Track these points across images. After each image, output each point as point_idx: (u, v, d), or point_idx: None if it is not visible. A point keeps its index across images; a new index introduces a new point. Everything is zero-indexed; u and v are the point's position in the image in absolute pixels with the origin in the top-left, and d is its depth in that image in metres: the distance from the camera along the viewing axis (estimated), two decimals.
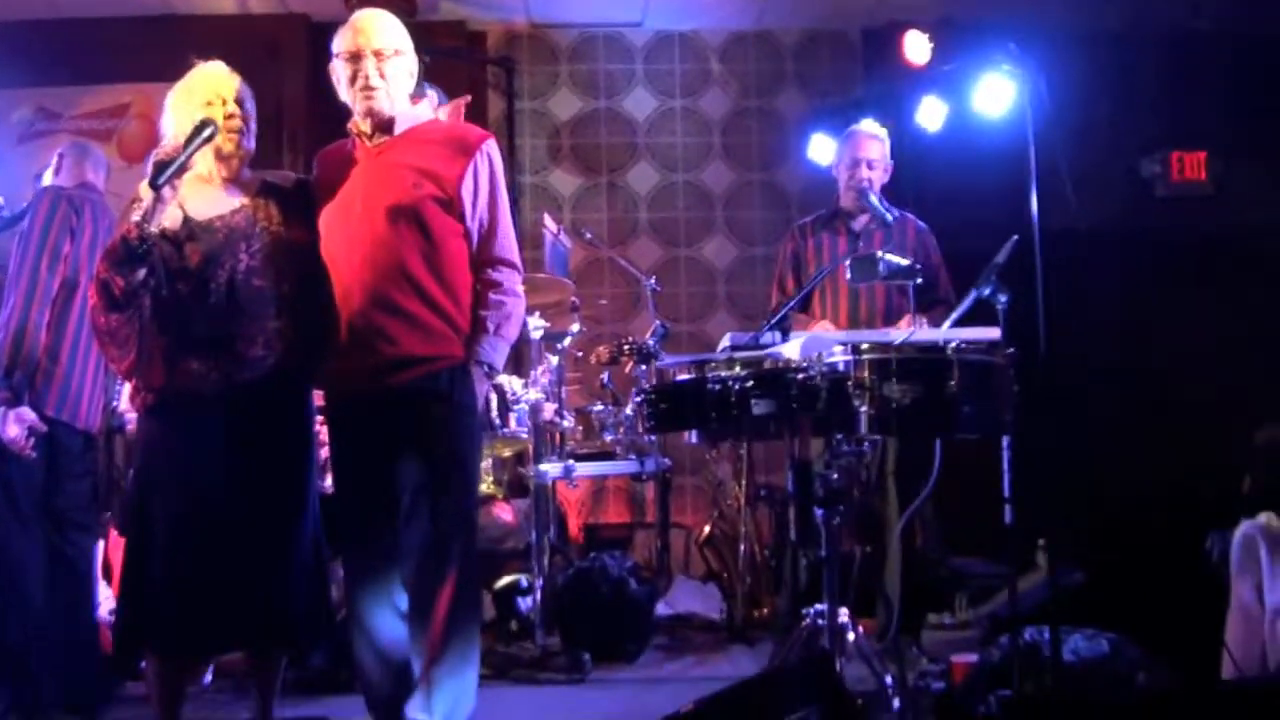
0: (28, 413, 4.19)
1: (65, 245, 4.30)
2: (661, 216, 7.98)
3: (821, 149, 6.75)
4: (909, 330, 4.02)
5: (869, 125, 5.41)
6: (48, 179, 4.66)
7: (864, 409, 3.33)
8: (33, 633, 4.25)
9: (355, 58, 3.49)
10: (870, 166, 5.14)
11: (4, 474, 4.25)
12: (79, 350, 4.36)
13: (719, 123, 8.07)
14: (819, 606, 3.51)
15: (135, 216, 3.25)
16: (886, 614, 4.61)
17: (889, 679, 3.48)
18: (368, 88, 3.47)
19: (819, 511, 3.46)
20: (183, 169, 3.27)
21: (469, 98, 4.22)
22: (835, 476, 3.49)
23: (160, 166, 3.24)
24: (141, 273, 3.30)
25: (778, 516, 5.85)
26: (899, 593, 4.65)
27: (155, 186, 3.21)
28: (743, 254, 7.94)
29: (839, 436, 3.51)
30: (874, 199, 4.92)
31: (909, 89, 6.60)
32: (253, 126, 3.57)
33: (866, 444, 3.63)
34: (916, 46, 6.37)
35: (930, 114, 6.38)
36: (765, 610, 5.79)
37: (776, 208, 7.93)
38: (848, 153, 5.24)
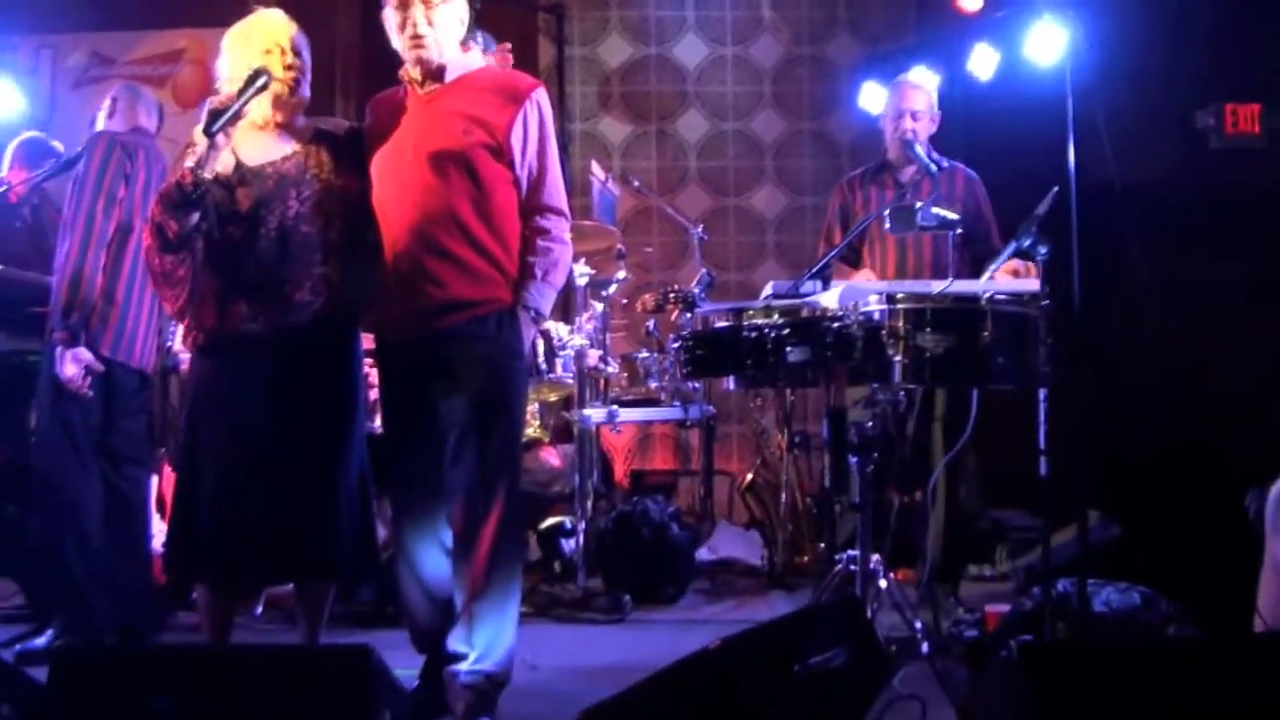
0: (84, 353, 4.29)
1: (120, 190, 4.38)
2: (711, 165, 7.98)
3: (873, 97, 6.75)
4: (948, 281, 4.03)
5: (915, 75, 5.39)
6: (101, 123, 4.73)
7: (898, 358, 3.38)
8: (89, 563, 4.38)
9: (404, 5, 3.52)
10: (915, 118, 5.12)
11: (62, 412, 4.36)
12: (134, 292, 4.46)
13: (770, 70, 8.03)
14: (851, 552, 3.57)
15: (189, 162, 3.33)
16: (923, 564, 4.65)
17: (919, 625, 3.54)
18: (416, 36, 3.51)
19: (853, 459, 3.51)
20: (237, 117, 3.33)
21: (509, 46, 4.25)
22: (870, 424, 3.54)
23: (214, 114, 3.30)
24: (195, 217, 3.38)
25: (817, 468, 5.90)
26: (937, 543, 4.68)
27: (209, 134, 3.28)
28: (792, 203, 7.93)
29: (875, 385, 3.56)
30: (919, 150, 4.89)
31: (961, 36, 6.57)
32: (307, 75, 3.62)
33: (902, 393, 3.67)
34: None
35: (982, 62, 6.35)
36: (806, 557, 5.84)
37: (827, 157, 7.89)
38: (893, 104, 5.22)
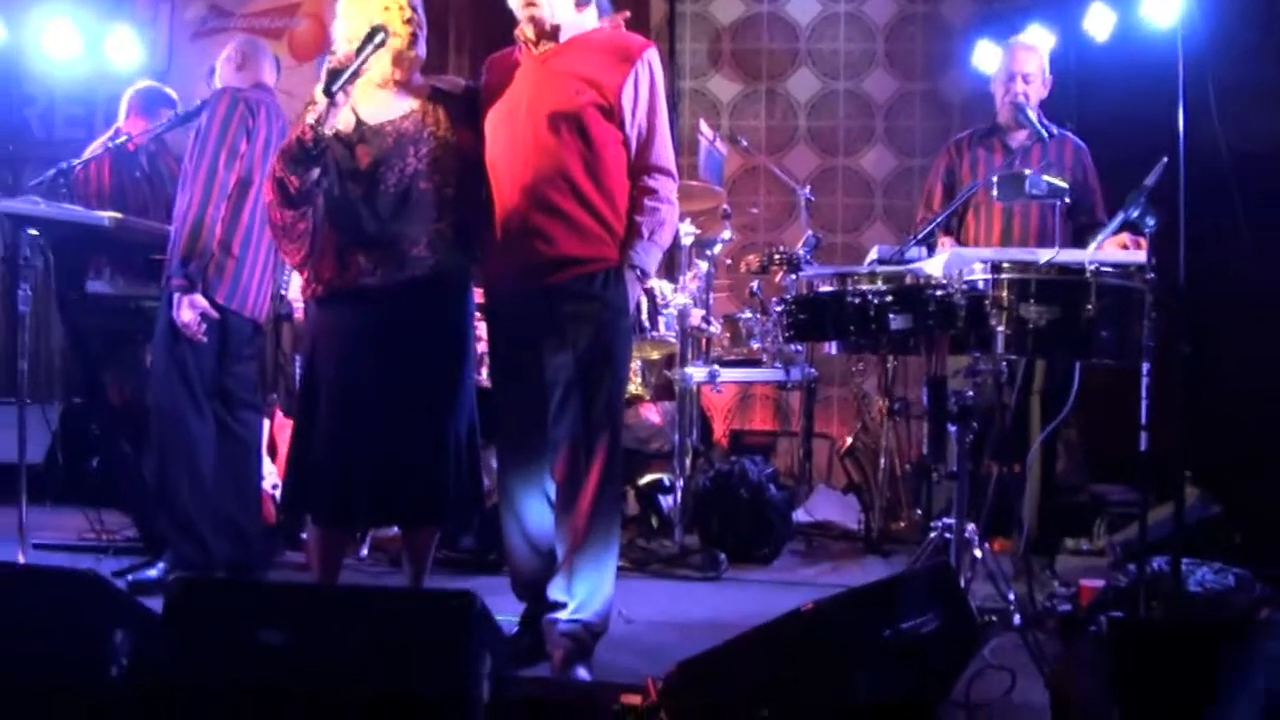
0: (200, 300, 4.43)
1: (241, 144, 4.50)
2: (820, 125, 7.93)
3: (986, 57, 6.64)
4: (1054, 250, 4.00)
5: (1028, 37, 5.31)
6: (223, 77, 4.85)
7: (1000, 329, 3.38)
8: (202, 501, 4.53)
9: None
10: (1026, 80, 5.03)
11: (179, 356, 4.51)
12: (250, 244, 4.59)
13: (882, 29, 7.93)
14: (947, 520, 3.58)
15: (310, 119, 3.42)
16: (1020, 536, 4.63)
17: (1012, 596, 3.55)
18: None
19: (952, 428, 3.52)
20: (356, 75, 3.41)
21: (627, 14, 4.28)
22: (970, 394, 3.55)
23: (334, 74, 3.38)
24: (315, 173, 3.48)
25: (916, 434, 5.89)
26: (1033, 515, 4.65)
27: (329, 93, 3.36)
28: (901, 165, 7.85)
29: (976, 354, 3.56)
30: (1031, 114, 4.84)
31: None
32: (423, 31, 3.70)
33: (1004, 363, 3.66)
34: None
35: (1098, 22, 6.23)
36: (903, 524, 5.85)
37: (938, 118, 7.78)
38: (1004, 66, 5.14)
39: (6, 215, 4.76)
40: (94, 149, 5.48)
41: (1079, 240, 4.71)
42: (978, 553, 3.62)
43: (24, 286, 4.42)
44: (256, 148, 4.53)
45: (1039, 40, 5.32)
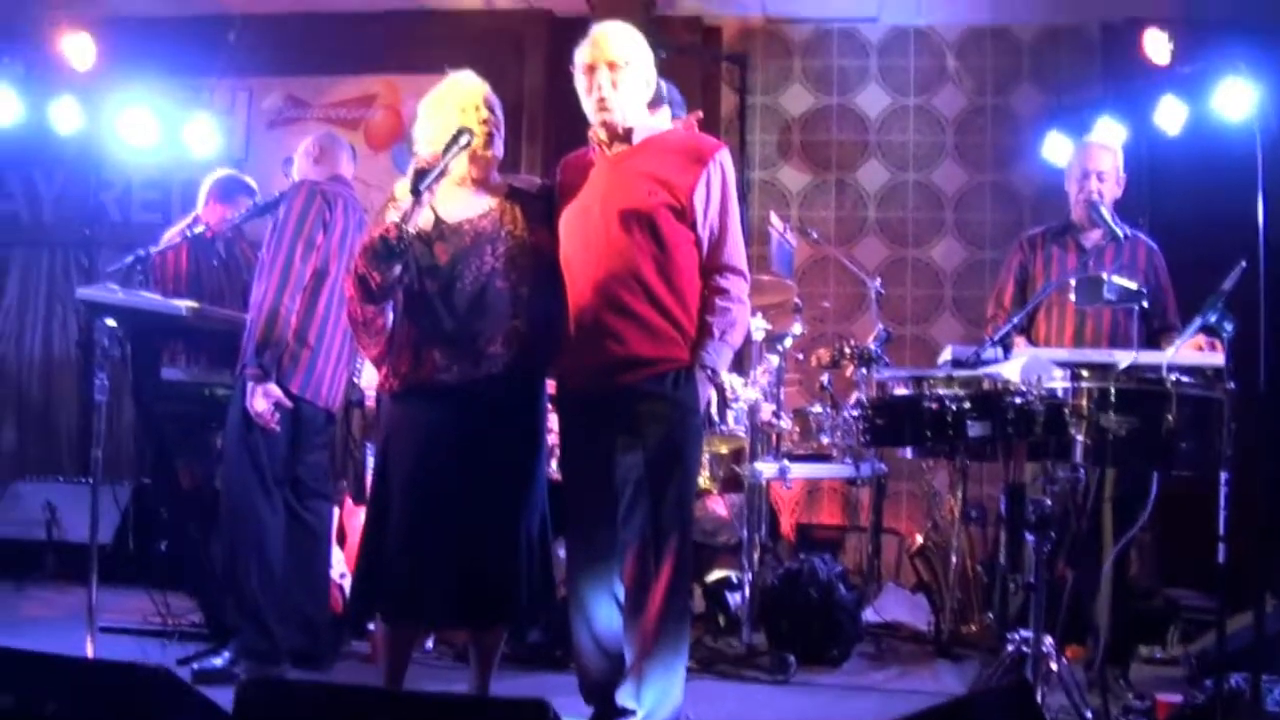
0: (274, 389, 4.45)
1: (318, 236, 4.54)
2: (890, 216, 7.92)
3: (1056, 149, 6.64)
4: (1132, 352, 3.94)
5: (1101, 135, 5.30)
6: (300, 169, 4.92)
7: (1080, 438, 3.33)
8: (270, 588, 4.53)
9: (591, 70, 3.64)
10: (1101, 179, 5.00)
11: (251, 444, 4.52)
12: (325, 335, 4.62)
13: (952, 121, 7.93)
14: (1024, 632, 3.51)
15: (393, 216, 3.47)
16: (1094, 644, 4.52)
17: (1089, 713, 3.46)
18: (602, 100, 3.62)
19: (1030, 537, 3.46)
20: (441, 175, 3.49)
21: (700, 114, 4.32)
22: (1049, 503, 3.49)
23: (420, 173, 3.44)
24: (397, 269, 3.51)
25: (990, 535, 5.80)
26: (1109, 623, 4.55)
27: (416, 192, 3.42)
28: (971, 257, 7.81)
29: (1054, 463, 3.51)
30: (1105, 213, 4.81)
31: (1148, 88, 6.43)
32: (501, 133, 3.75)
33: (1081, 471, 3.61)
34: (1156, 45, 6.19)
35: (1170, 115, 6.21)
36: (973, 627, 5.73)
37: (1008, 210, 7.75)
38: (1078, 164, 5.11)
39: (85, 303, 4.83)
40: (171, 235, 5.57)
41: (1152, 343, 4.67)
42: (1054, 665, 3.54)
43: (101, 376, 4.47)
44: (333, 239, 4.58)
45: (1114, 139, 5.27)
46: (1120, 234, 4.79)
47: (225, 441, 4.66)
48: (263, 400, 4.42)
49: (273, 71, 8.21)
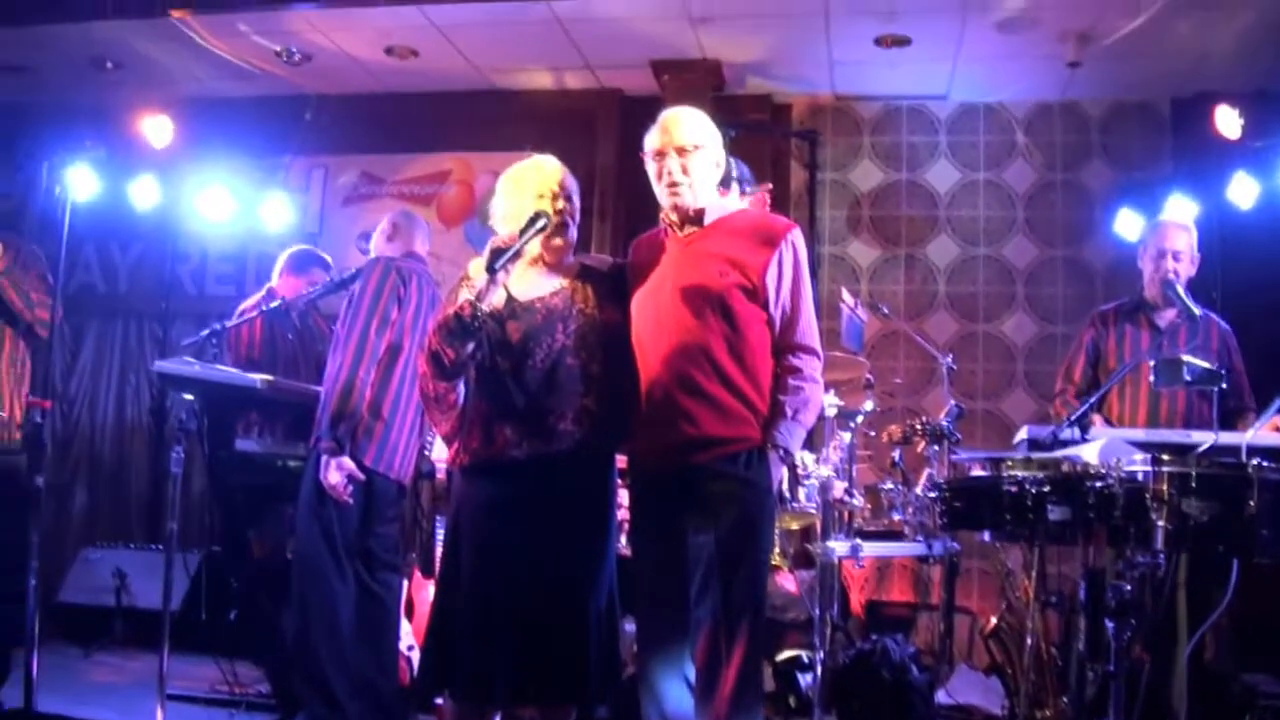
0: (348, 462, 4.50)
1: (393, 312, 4.60)
2: (960, 290, 7.90)
3: (1128, 224, 6.61)
4: (1211, 434, 3.88)
5: (1176, 214, 5.27)
6: (377, 246, 5.00)
7: (1161, 523, 3.27)
8: (338, 660, 4.54)
9: (660, 155, 3.68)
10: (1177, 258, 4.99)
11: (324, 515, 4.56)
12: (399, 408, 4.66)
13: (1022, 196, 7.94)
14: None
15: (467, 294, 3.50)
16: None
17: None
18: (672, 184, 3.65)
19: (1109, 623, 3.39)
20: (517, 256, 3.51)
21: (770, 186, 4.33)
22: (1128, 588, 3.42)
23: (496, 253, 3.47)
24: (470, 346, 3.54)
25: (1066, 618, 5.66)
26: (1185, 708, 4.45)
27: (492, 271, 3.45)
28: (1043, 332, 7.77)
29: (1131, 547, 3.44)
30: (1181, 292, 4.79)
31: (1219, 163, 6.41)
32: (576, 218, 3.77)
33: (1161, 556, 3.54)
34: (1227, 120, 6.18)
35: (1242, 191, 6.18)
36: (1048, 712, 5.59)
37: (1080, 284, 7.74)
38: (1154, 243, 5.09)
39: (161, 375, 4.91)
40: (247, 308, 5.67)
41: (1227, 424, 4.61)
42: None
43: (177, 449, 4.53)
44: (407, 315, 4.63)
45: (1188, 217, 5.24)
46: (1196, 313, 4.74)
47: (297, 513, 4.70)
48: (336, 473, 4.45)
49: (348, 149, 8.38)
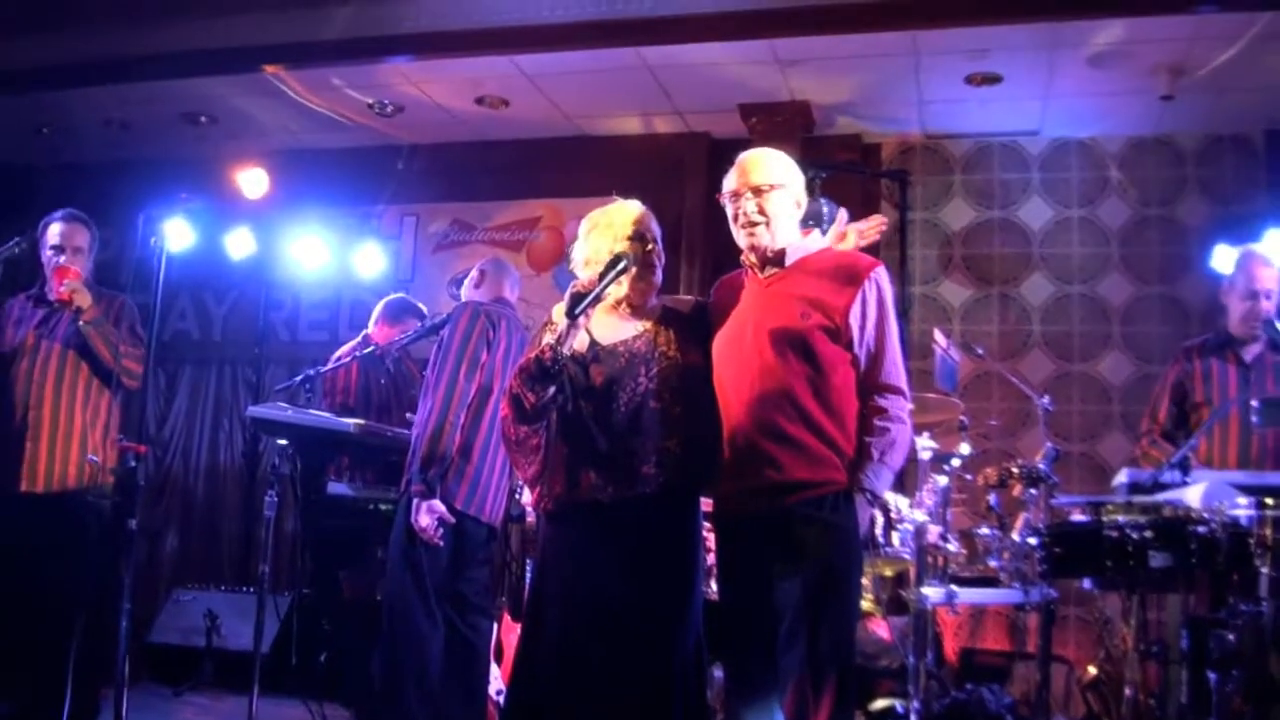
0: (439, 505, 4.51)
1: (483, 355, 4.63)
2: (1055, 329, 7.78)
3: (1226, 260, 6.46)
4: None
5: (1265, 249, 5.16)
6: (467, 292, 5.03)
7: (1265, 570, 3.17)
8: (428, 703, 4.53)
9: (736, 196, 3.65)
10: (1269, 297, 4.91)
11: (414, 558, 4.56)
12: (489, 451, 4.67)
13: (1117, 232, 7.81)
14: None
15: (549, 338, 3.50)
16: None
17: None
18: (748, 224, 3.62)
19: (1212, 675, 3.28)
20: (598, 300, 3.50)
21: (844, 210, 4.27)
22: (1231, 638, 3.31)
23: (577, 297, 3.45)
24: (551, 390, 3.53)
25: (1166, 668, 5.50)
26: None
27: (572, 316, 3.43)
28: (1140, 371, 7.60)
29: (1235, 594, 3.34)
30: (1277, 327, 4.71)
31: None
32: (660, 261, 3.76)
33: (1265, 604, 3.42)
34: None
35: None
36: None
37: (1177, 322, 7.57)
38: (1244, 283, 5.01)
39: (255, 419, 4.97)
40: (342, 354, 5.76)
41: None
42: None
43: (271, 493, 4.57)
44: (496, 358, 4.65)
45: (1275, 252, 5.14)
46: None
47: (389, 556, 4.71)
48: (427, 516, 4.47)
49: (439, 198, 8.51)
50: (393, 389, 5.96)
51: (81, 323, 5.00)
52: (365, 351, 5.67)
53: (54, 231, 5.20)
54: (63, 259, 5.13)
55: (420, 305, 6.11)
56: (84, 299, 4.99)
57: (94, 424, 5.18)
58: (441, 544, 4.55)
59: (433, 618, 4.61)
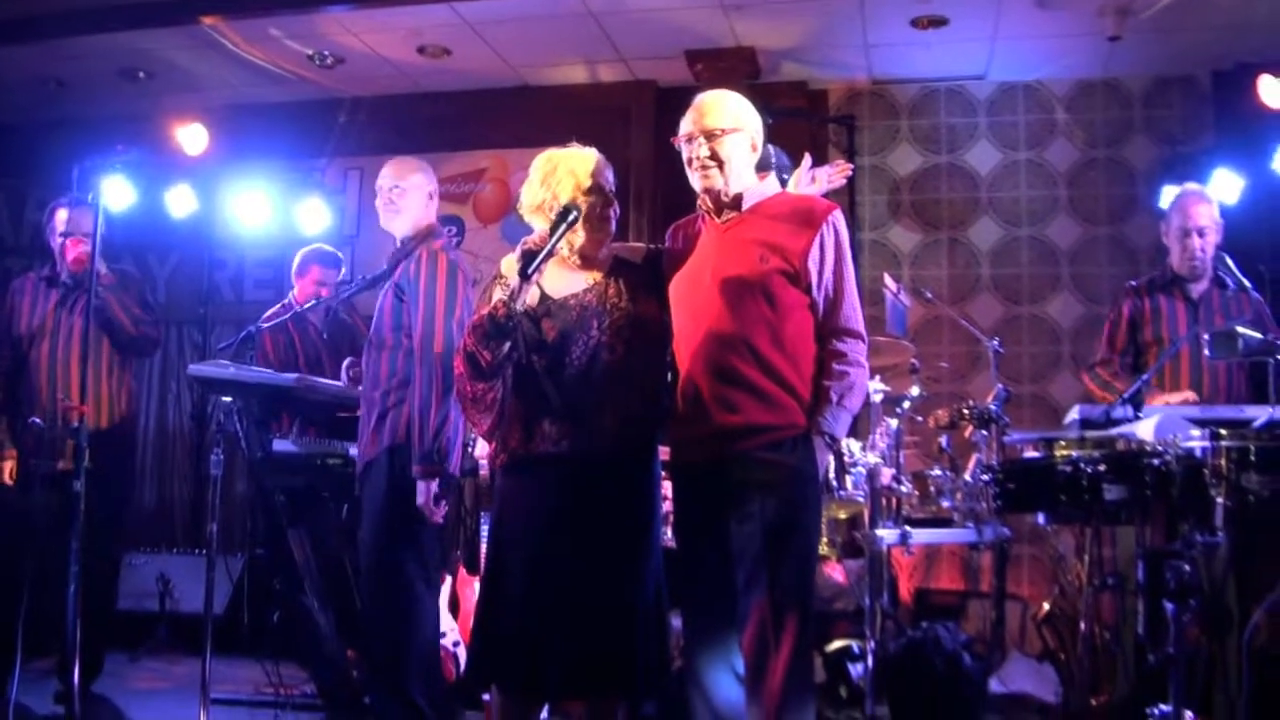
0: (435, 484, 4.35)
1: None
2: (1004, 272, 7.80)
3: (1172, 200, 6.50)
4: (1268, 408, 3.77)
5: (1202, 188, 5.21)
6: (420, 206, 4.75)
7: (1220, 500, 3.18)
8: (431, 674, 4.45)
9: (690, 139, 3.61)
10: (1202, 234, 4.98)
11: (411, 533, 4.39)
12: (453, 406, 4.56)
13: (1065, 175, 7.83)
14: (1163, 708, 3.34)
15: (499, 293, 3.48)
16: (1230, 717, 4.29)
17: None
18: (702, 167, 3.57)
19: (1169, 605, 3.29)
20: (550, 255, 3.46)
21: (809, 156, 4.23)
22: (1188, 569, 3.32)
23: (529, 255, 3.41)
24: (506, 347, 3.50)
25: (1121, 601, 5.54)
26: (1245, 694, 4.33)
27: (525, 274, 3.39)
28: (1089, 312, 7.63)
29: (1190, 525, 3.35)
30: (1229, 264, 4.76)
31: (1263, 134, 6.32)
32: (615, 209, 3.71)
33: (1221, 535, 3.44)
34: (1271, 90, 6.12)
35: None
36: (1104, 698, 5.49)
37: (1125, 263, 7.61)
38: (1178, 221, 5.08)
39: (197, 378, 4.89)
40: (273, 313, 5.69)
41: (1262, 395, 4.52)
42: None
43: (217, 451, 4.49)
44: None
45: (1207, 189, 5.20)
46: (1247, 286, 4.69)
47: (367, 526, 4.45)
48: (431, 495, 4.29)
49: (383, 150, 8.30)
50: (329, 345, 5.87)
51: (100, 288, 4.97)
52: (285, 317, 5.64)
53: (61, 217, 5.45)
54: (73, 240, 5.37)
55: (331, 250, 6.04)
56: (100, 264, 4.92)
57: (118, 397, 5.53)
58: (442, 522, 4.42)
59: (434, 588, 4.56)
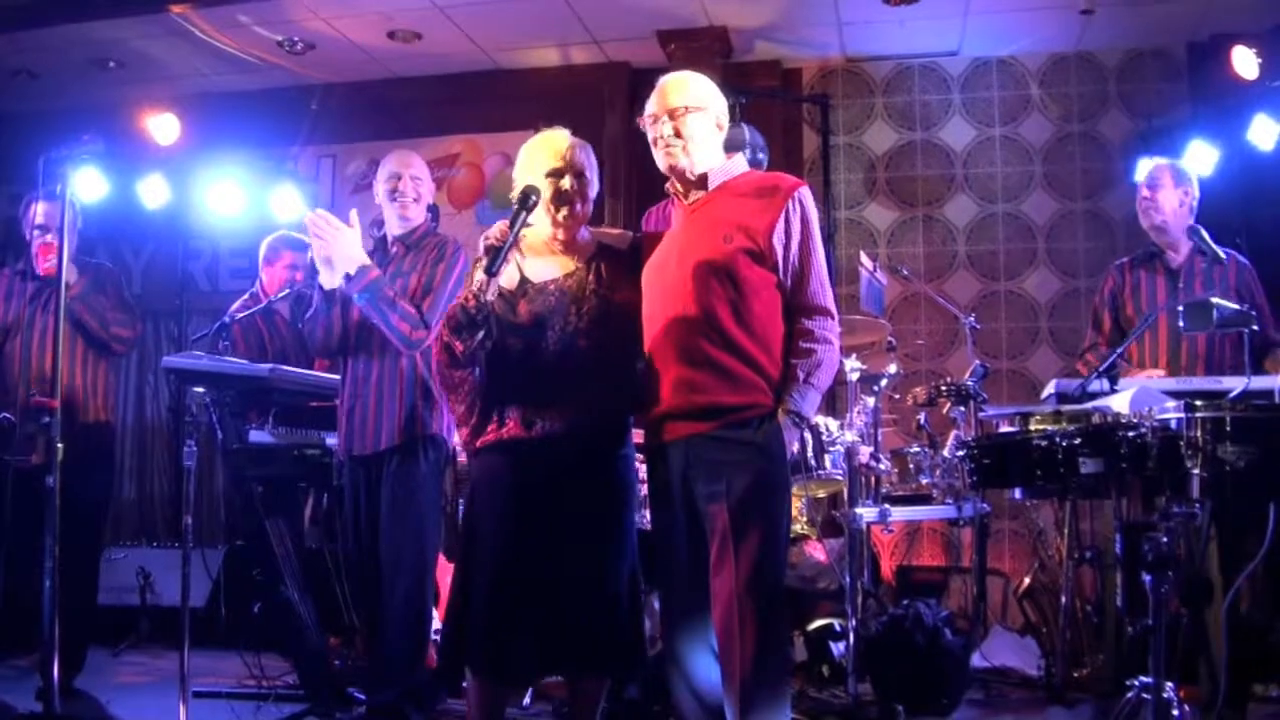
0: None
1: None
2: (980, 249, 7.78)
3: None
4: (1243, 379, 3.77)
5: (1165, 160, 5.26)
6: (427, 190, 4.93)
7: (1196, 471, 3.17)
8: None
9: (654, 120, 3.61)
10: (1152, 188, 5.06)
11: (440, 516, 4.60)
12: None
13: (1040, 150, 7.81)
14: (1144, 679, 3.34)
15: (480, 276, 3.46)
16: (1211, 685, 4.30)
17: None
18: (666, 146, 3.58)
19: (1147, 577, 3.29)
20: (513, 247, 3.46)
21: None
22: (1165, 540, 3.32)
23: (492, 251, 3.42)
24: (480, 335, 3.50)
25: (1101, 574, 5.56)
26: (1225, 662, 4.35)
27: (490, 274, 3.40)
28: (1066, 287, 7.64)
29: (1167, 497, 3.35)
30: (1204, 235, 4.75)
31: (1238, 106, 6.32)
32: (591, 191, 3.70)
33: (1198, 506, 3.44)
34: (1245, 61, 6.10)
35: (1262, 132, 6.11)
36: (1086, 670, 5.51)
37: (1101, 237, 7.60)
38: (1139, 189, 5.17)
39: (171, 370, 4.86)
40: (242, 303, 5.65)
41: (1253, 361, 4.54)
42: (1176, 712, 3.36)
43: (190, 443, 4.45)
44: None
45: (1183, 161, 5.23)
46: (1222, 257, 4.67)
47: (418, 517, 4.47)
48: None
49: (355, 137, 8.35)
50: (288, 332, 5.84)
51: (68, 299, 4.93)
52: (254, 310, 5.62)
53: (38, 210, 5.36)
54: (49, 237, 5.25)
55: (298, 235, 6.00)
56: (70, 274, 4.95)
57: (94, 390, 5.53)
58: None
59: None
